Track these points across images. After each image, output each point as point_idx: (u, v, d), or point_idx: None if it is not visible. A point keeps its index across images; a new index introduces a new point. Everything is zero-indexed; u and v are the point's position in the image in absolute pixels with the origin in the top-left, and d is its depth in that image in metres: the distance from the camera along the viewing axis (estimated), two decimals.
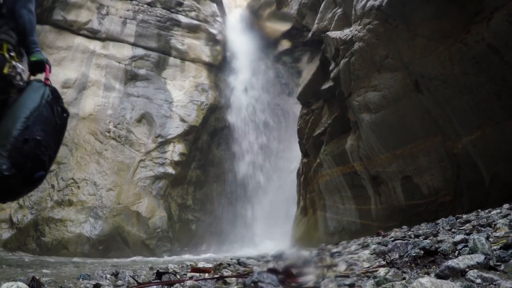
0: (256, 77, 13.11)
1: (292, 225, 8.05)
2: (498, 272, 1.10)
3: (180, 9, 12.61)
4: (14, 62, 2.84)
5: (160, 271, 1.77)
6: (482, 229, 2.10)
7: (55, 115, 2.78)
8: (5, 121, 2.49)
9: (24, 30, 2.83)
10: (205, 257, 6.80)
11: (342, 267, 1.67)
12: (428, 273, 1.31)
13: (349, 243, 3.89)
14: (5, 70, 2.76)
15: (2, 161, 2.34)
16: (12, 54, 2.85)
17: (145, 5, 12.05)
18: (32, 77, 2.93)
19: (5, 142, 2.39)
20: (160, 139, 10.68)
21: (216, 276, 1.67)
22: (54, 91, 2.88)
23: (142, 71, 11.35)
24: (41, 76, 3.05)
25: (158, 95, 11.28)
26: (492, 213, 2.78)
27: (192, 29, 12.61)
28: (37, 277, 1.41)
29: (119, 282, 1.67)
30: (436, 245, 1.60)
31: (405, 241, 1.88)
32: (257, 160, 12.27)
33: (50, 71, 2.95)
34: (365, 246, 2.70)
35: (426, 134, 4.43)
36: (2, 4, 2.87)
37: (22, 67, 2.93)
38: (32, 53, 2.86)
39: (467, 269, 1.12)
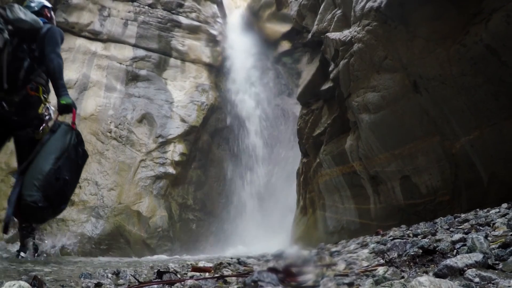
0: (256, 78, 13.12)
1: (292, 224, 8.06)
2: (496, 271, 1.12)
3: (181, 10, 12.62)
4: (47, 104, 3.26)
5: (161, 270, 1.79)
6: (481, 228, 2.12)
7: (78, 156, 3.14)
8: (39, 158, 2.84)
9: (54, 74, 3.20)
10: (205, 256, 6.80)
11: (341, 266, 1.68)
12: (426, 272, 1.32)
13: (348, 242, 3.90)
14: (40, 110, 3.18)
15: (38, 194, 2.73)
16: (46, 96, 3.25)
17: (146, 7, 12.06)
18: (59, 117, 3.30)
19: (40, 177, 2.74)
20: (160, 139, 10.70)
21: (216, 275, 1.69)
22: (78, 135, 3.24)
23: (143, 72, 11.37)
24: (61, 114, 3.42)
25: (159, 95, 11.29)
26: (490, 212, 2.79)
27: (193, 30, 12.63)
28: (39, 276, 1.42)
29: (121, 281, 1.68)
30: (435, 244, 1.61)
31: (404, 240, 1.90)
32: (257, 160, 12.27)
33: (76, 114, 3.33)
34: (364, 245, 2.71)
35: (425, 134, 4.44)
36: (35, 49, 3.23)
37: (53, 109, 3.31)
38: (61, 96, 3.24)
39: (466, 268, 1.13)
